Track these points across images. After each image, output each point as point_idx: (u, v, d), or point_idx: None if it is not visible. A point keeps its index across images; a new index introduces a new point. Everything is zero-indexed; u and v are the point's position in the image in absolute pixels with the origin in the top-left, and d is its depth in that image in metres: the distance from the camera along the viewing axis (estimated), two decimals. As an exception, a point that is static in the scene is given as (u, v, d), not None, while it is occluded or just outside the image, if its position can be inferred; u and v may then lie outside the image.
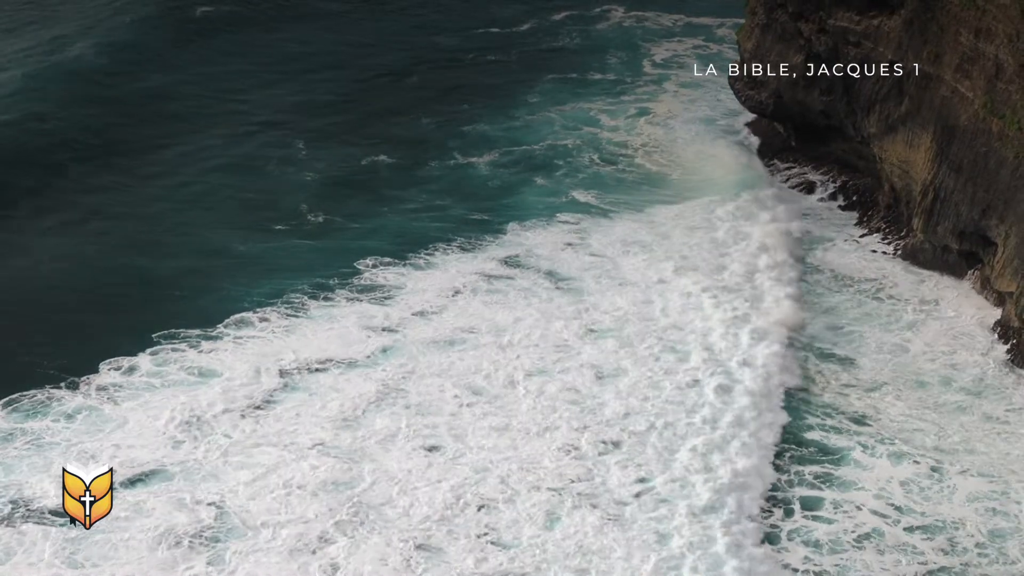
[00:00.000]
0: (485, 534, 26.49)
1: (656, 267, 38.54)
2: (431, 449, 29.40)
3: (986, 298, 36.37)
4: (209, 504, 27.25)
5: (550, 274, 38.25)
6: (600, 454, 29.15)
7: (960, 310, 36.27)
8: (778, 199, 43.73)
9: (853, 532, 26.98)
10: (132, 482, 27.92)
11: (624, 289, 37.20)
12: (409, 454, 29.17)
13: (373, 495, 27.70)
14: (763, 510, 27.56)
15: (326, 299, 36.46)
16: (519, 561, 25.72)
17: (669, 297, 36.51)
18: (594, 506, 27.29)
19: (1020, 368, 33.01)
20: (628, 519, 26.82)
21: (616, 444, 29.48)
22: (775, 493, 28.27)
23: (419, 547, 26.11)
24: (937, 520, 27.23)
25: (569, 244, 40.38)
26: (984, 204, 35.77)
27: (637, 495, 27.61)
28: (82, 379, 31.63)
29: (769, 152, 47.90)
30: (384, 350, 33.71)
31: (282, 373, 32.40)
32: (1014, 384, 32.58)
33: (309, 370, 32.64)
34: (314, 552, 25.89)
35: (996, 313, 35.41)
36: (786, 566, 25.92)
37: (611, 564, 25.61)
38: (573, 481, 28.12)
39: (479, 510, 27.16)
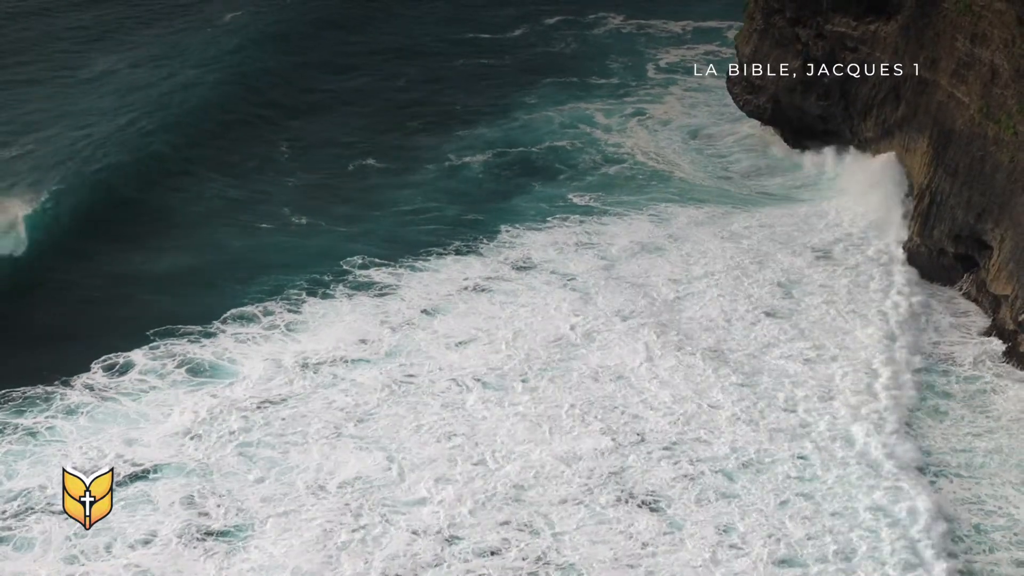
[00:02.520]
0: (521, 523, 27.01)
1: (659, 266, 39.60)
2: (454, 440, 30.04)
3: (979, 302, 37.52)
4: (223, 497, 27.81)
5: (554, 274, 39.05)
6: (633, 443, 29.85)
7: (949, 314, 37.41)
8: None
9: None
10: (140, 477, 28.47)
11: (630, 289, 38.11)
12: (433, 446, 29.85)
13: (399, 488, 28.27)
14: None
15: (324, 296, 37.47)
16: (557, 549, 26.29)
17: (676, 296, 37.62)
18: (631, 495, 28.08)
19: (1016, 370, 34.05)
20: (667, 509, 27.64)
21: (645, 437, 30.25)
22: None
23: (450, 539, 26.60)
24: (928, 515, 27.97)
25: (571, 245, 41.27)
26: (980, 208, 36.96)
27: (676, 487, 28.43)
28: (83, 376, 32.42)
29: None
30: (394, 346, 34.49)
31: (290, 369, 33.15)
32: (1007, 389, 33.19)
33: (318, 366, 33.36)
34: (340, 545, 26.36)
35: (984, 318, 36.73)
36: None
37: (655, 557, 26.28)
38: (608, 472, 28.80)
39: (511, 502, 27.75)
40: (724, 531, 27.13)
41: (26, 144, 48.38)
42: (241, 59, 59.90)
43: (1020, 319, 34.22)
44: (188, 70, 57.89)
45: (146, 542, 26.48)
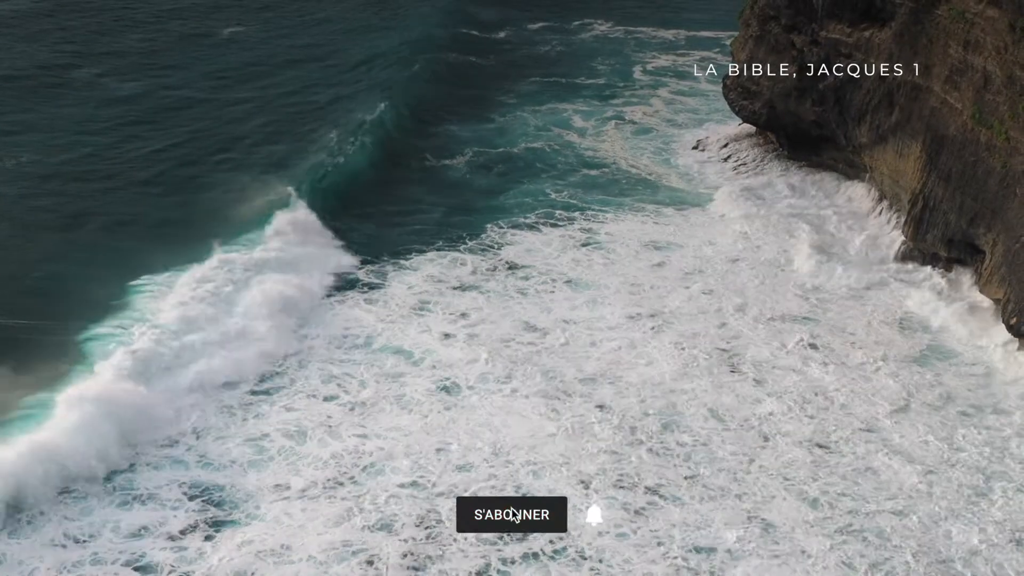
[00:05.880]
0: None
1: (652, 262, 41.65)
2: (461, 431, 31.11)
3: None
4: (230, 490, 28.54)
5: (548, 272, 40.63)
6: (630, 444, 30.88)
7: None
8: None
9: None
10: (140, 469, 29.27)
11: (627, 287, 39.79)
12: (441, 437, 30.89)
13: (412, 477, 29.22)
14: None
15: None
16: (580, 534, 27.17)
17: (675, 292, 39.56)
18: (639, 484, 29.18)
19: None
20: (682, 498, 28.83)
21: (647, 432, 31.44)
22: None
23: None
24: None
25: (560, 241, 43.18)
26: (972, 212, 38.46)
27: (685, 480, 29.61)
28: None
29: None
30: (389, 342, 35.71)
31: (287, 363, 34.35)
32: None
33: (314, 361, 34.50)
34: (355, 530, 27.24)
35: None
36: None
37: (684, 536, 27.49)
38: (621, 463, 29.97)
39: (526, 489, 28.67)
40: (750, 519, 28.22)
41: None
42: (231, 60, 61.62)
43: (1012, 322, 36.26)
44: (178, 71, 59.63)
45: (150, 532, 27.06)
